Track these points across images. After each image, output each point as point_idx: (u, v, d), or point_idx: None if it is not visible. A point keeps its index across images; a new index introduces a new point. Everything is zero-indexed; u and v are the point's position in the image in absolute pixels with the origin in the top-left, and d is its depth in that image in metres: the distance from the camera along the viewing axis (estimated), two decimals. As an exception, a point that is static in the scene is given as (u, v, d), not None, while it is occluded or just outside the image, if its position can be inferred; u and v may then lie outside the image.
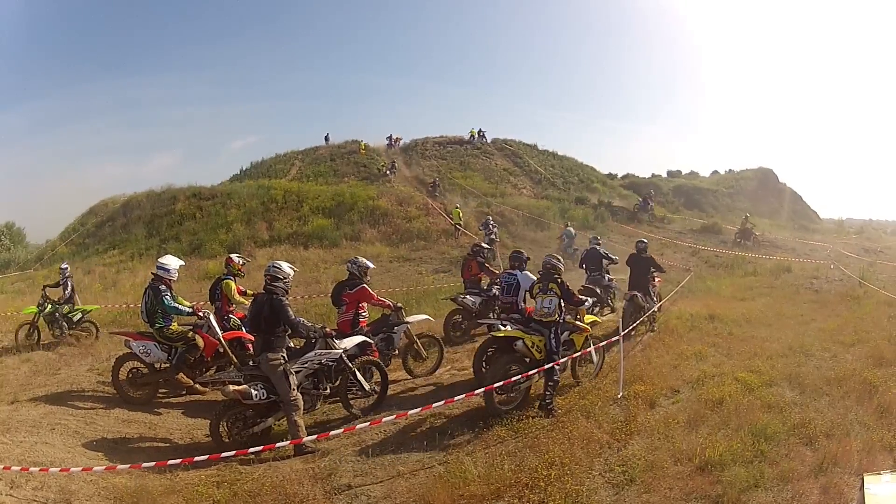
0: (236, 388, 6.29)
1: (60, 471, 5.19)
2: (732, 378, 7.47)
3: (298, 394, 6.43)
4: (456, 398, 6.37)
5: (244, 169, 39.83)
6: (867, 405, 6.49)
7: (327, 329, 7.00)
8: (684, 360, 8.50)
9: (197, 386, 8.07)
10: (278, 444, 6.01)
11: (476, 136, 41.70)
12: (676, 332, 10.15)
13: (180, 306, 8.04)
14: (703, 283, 16.71)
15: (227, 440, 6.36)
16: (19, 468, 5.15)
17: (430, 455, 5.90)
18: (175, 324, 8.07)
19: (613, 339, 8.09)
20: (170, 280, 8.06)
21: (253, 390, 6.31)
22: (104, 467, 5.43)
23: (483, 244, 12.61)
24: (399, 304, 8.69)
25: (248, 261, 9.84)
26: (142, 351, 7.90)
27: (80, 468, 5.32)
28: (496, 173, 36.76)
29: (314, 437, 6.13)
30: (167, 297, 7.90)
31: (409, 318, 8.76)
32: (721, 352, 8.96)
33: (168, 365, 7.95)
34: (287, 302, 6.54)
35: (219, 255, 20.35)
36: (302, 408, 6.43)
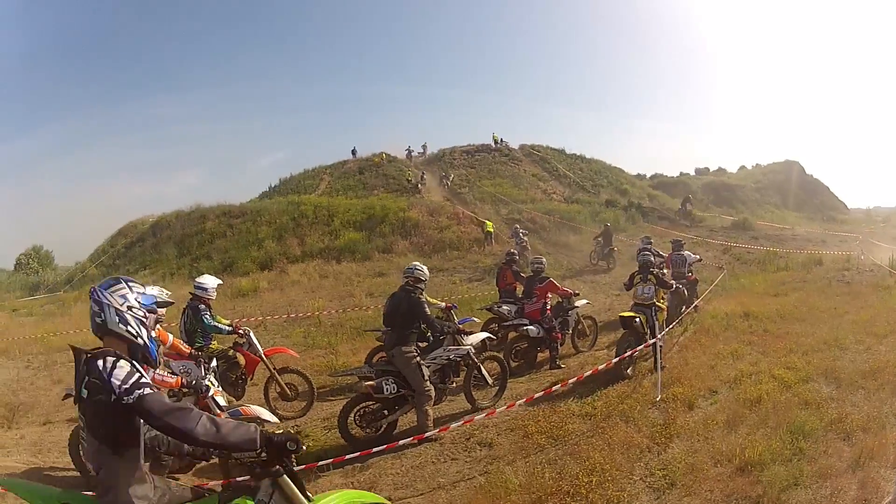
0: (368, 383, 6.65)
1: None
2: (769, 376, 7.42)
3: (431, 385, 6.77)
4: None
5: (273, 185, 40.33)
6: (902, 397, 6.39)
7: (460, 326, 7.55)
8: (721, 359, 8.45)
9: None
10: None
11: (499, 141, 41.85)
12: (712, 331, 10.06)
13: (219, 325, 8.05)
14: (737, 281, 16.50)
15: (355, 434, 6.67)
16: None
17: (471, 466, 5.93)
18: (215, 342, 8.17)
19: (651, 341, 8.09)
20: (208, 299, 8.08)
21: (384, 385, 6.65)
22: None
23: (514, 251, 12.65)
24: (576, 292, 10.36)
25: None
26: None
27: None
28: (525, 179, 36.72)
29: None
30: (206, 316, 7.90)
31: (578, 303, 10.29)
32: (757, 349, 8.88)
33: None
34: (424, 300, 7.04)
35: (252, 272, 20.60)
36: (434, 398, 6.79)
